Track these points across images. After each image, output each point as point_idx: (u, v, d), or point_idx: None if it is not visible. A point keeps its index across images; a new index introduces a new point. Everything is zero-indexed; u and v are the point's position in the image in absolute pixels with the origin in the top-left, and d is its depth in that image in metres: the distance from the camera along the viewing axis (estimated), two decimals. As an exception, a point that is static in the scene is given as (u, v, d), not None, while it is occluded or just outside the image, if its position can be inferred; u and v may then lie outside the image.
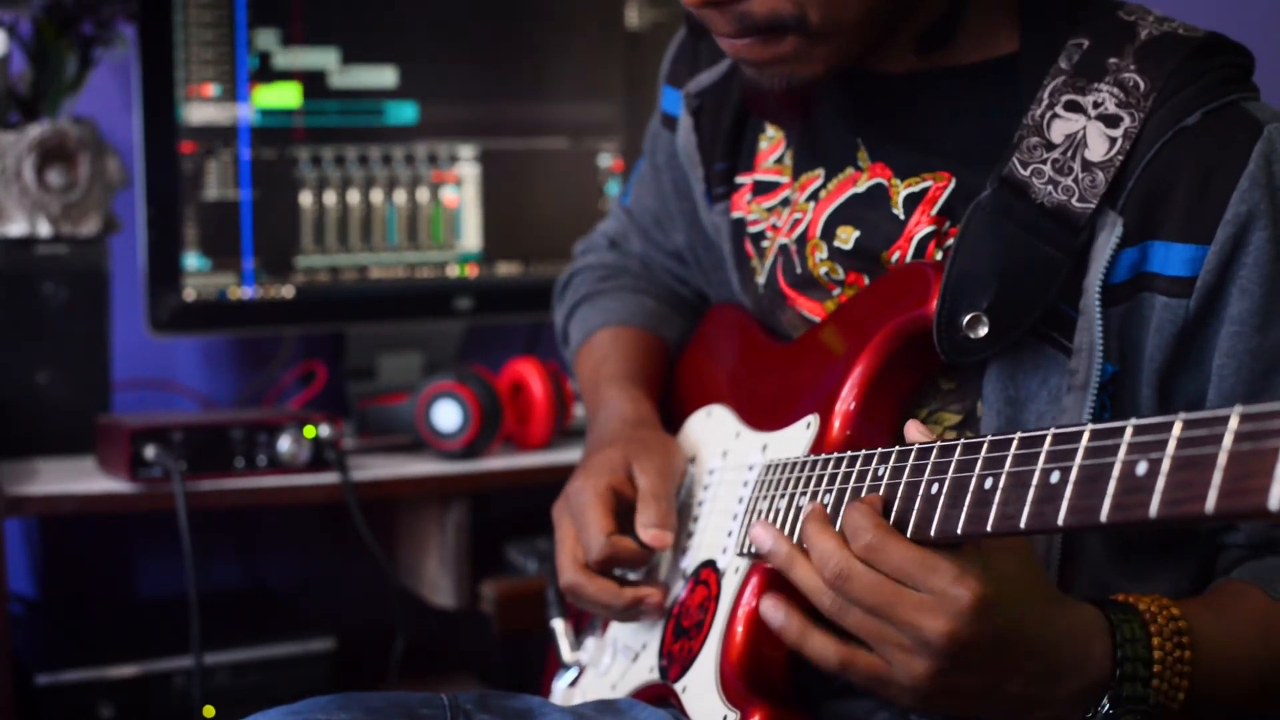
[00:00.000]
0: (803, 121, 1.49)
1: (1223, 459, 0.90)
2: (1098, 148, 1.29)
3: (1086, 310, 1.28)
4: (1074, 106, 1.31)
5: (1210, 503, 0.90)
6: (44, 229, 2.20)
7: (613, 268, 1.82)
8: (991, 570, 1.15)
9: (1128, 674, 1.18)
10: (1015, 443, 1.11)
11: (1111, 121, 1.29)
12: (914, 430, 1.24)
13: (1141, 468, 0.97)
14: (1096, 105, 1.30)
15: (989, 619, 1.14)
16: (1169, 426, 0.96)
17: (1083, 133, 1.30)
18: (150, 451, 2.02)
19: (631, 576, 1.52)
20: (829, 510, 1.28)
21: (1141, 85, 1.29)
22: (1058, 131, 1.31)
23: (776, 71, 1.34)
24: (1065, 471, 1.04)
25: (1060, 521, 1.03)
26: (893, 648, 1.18)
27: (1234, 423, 0.90)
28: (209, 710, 2.08)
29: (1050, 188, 1.30)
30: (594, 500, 1.49)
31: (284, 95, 2.33)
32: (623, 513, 1.50)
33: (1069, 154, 1.30)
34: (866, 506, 1.20)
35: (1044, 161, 1.30)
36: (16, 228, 2.20)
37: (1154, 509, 0.95)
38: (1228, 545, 1.35)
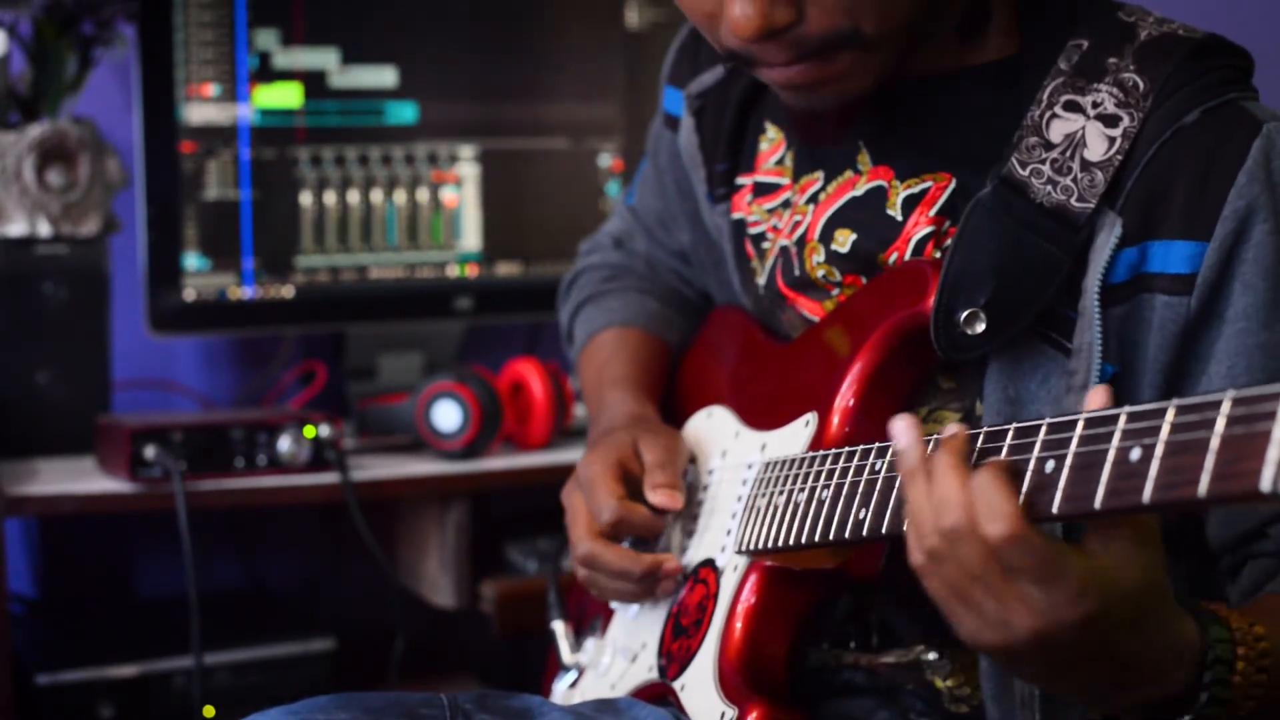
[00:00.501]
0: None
1: (1215, 443, 0.90)
2: (1097, 147, 1.29)
3: (1086, 311, 1.28)
4: (1073, 106, 1.31)
5: (1203, 487, 0.90)
6: (44, 229, 2.21)
7: (618, 268, 1.82)
8: (1117, 586, 1.07)
9: (1209, 699, 1.14)
10: (1010, 434, 1.11)
11: (1110, 121, 1.29)
12: (899, 425, 1.17)
13: (1135, 454, 0.97)
14: (1095, 105, 1.30)
15: (1084, 632, 1.08)
16: (1162, 413, 0.96)
17: (1082, 132, 1.30)
18: (150, 451, 2.02)
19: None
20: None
21: (1141, 85, 1.29)
22: (1057, 131, 1.31)
23: (830, 91, 1.33)
24: (1060, 460, 1.04)
25: (1055, 509, 1.03)
26: (972, 607, 1.11)
27: (1226, 407, 0.91)
28: (209, 710, 2.08)
29: (1049, 187, 1.30)
30: (603, 470, 1.50)
31: (284, 95, 2.33)
32: (631, 490, 1.50)
33: (1068, 154, 1.30)
34: (1007, 484, 1.08)
35: (1043, 161, 1.30)
36: (16, 228, 2.20)
37: (1148, 495, 0.95)
38: (1257, 554, 1.31)
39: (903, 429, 1.16)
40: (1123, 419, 0.99)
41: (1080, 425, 1.03)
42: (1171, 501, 0.93)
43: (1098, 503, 0.99)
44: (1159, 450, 0.95)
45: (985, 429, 1.14)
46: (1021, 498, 1.07)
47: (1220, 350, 1.28)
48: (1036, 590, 1.07)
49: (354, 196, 2.38)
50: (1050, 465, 1.05)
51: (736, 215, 1.58)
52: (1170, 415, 0.95)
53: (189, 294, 2.31)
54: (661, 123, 1.73)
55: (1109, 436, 1.00)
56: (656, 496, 1.49)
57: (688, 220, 1.70)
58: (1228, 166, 1.25)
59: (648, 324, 1.74)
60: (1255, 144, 1.25)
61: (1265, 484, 0.86)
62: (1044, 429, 1.07)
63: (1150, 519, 1.07)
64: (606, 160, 2.54)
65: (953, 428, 1.14)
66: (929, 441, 1.17)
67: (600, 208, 2.53)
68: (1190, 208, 1.26)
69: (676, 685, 1.43)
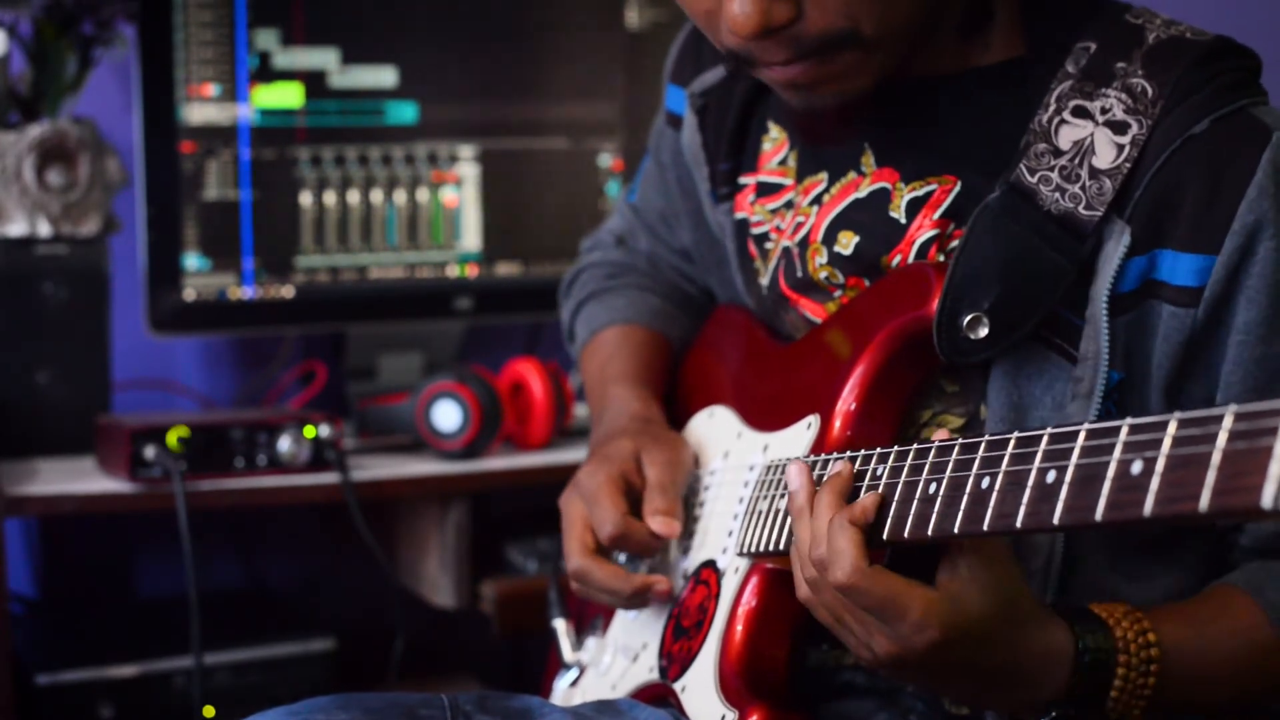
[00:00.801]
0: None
1: (1217, 458, 0.90)
2: (1105, 155, 1.29)
3: (1093, 318, 1.28)
4: (1081, 112, 1.31)
5: (1204, 501, 0.90)
6: (44, 229, 2.20)
7: (620, 265, 1.81)
8: (962, 612, 1.18)
9: (1078, 697, 1.21)
10: (1012, 442, 1.11)
11: (1119, 128, 1.29)
12: (792, 469, 1.30)
13: (1137, 467, 0.97)
14: (1104, 111, 1.30)
15: (937, 655, 1.19)
16: (1164, 426, 0.96)
17: (1090, 139, 1.29)
18: (150, 451, 2.02)
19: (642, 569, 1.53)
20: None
21: (1149, 91, 1.29)
22: (1065, 138, 1.30)
23: (829, 90, 1.33)
24: (1061, 471, 1.04)
25: (1056, 521, 1.03)
26: (845, 631, 1.25)
27: (1228, 421, 0.91)
28: (209, 710, 2.08)
29: (1057, 195, 1.29)
30: (606, 482, 1.49)
31: (284, 95, 2.33)
32: (632, 505, 1.50)
33: (1076, 161, 1.30)
34: (853, 531, 1.21)
35: (1051, 168, 1.30)
36: (16, 228, 2.20)
37: (1148, 508, 0.95)
38: (1233, 546, 1.35)
39: (795, 472, 1.29)
40: (1124, 431, 0.99)
41: (1082, 436, 1.03)
42: (1172, 515, 0.93)
43: (1099, 515, 0.99)
44: (1160, 464, 0.95)
45: (987, 437, 1.14)
46: (899, 527, 1.20)
47: (1220, 363, 1.28)
48: (884, 625, 1.19)
49: (354, 196, 2.38)
50: (1051, 476, 1.05)
51: (739, 215, 1.58)
52: (1172, 429, 0.95)
53: (189, 294, 2.30)
54: (664, 121, 1.73)
55: (1110, 449, 1.00)
56: (655, 524, 1.48)
57: (690, 219, 1.69)
58: (1237, 179, 1.25)
59: (650, 321, 1.74)
60: (1265, 155, 1.25)
61: (1267, 500, 0.86)
62: (1045, 439, 1.07)
63: (996, 540, 1.19)
64: (606, 160, 2.54)
65: (837, 465, 1.27)
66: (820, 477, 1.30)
67: (600, 207, 2.53)
68: (1199, 220, 1.26)
69: (677, 686, 1.44)
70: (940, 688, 1.30)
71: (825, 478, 1.27)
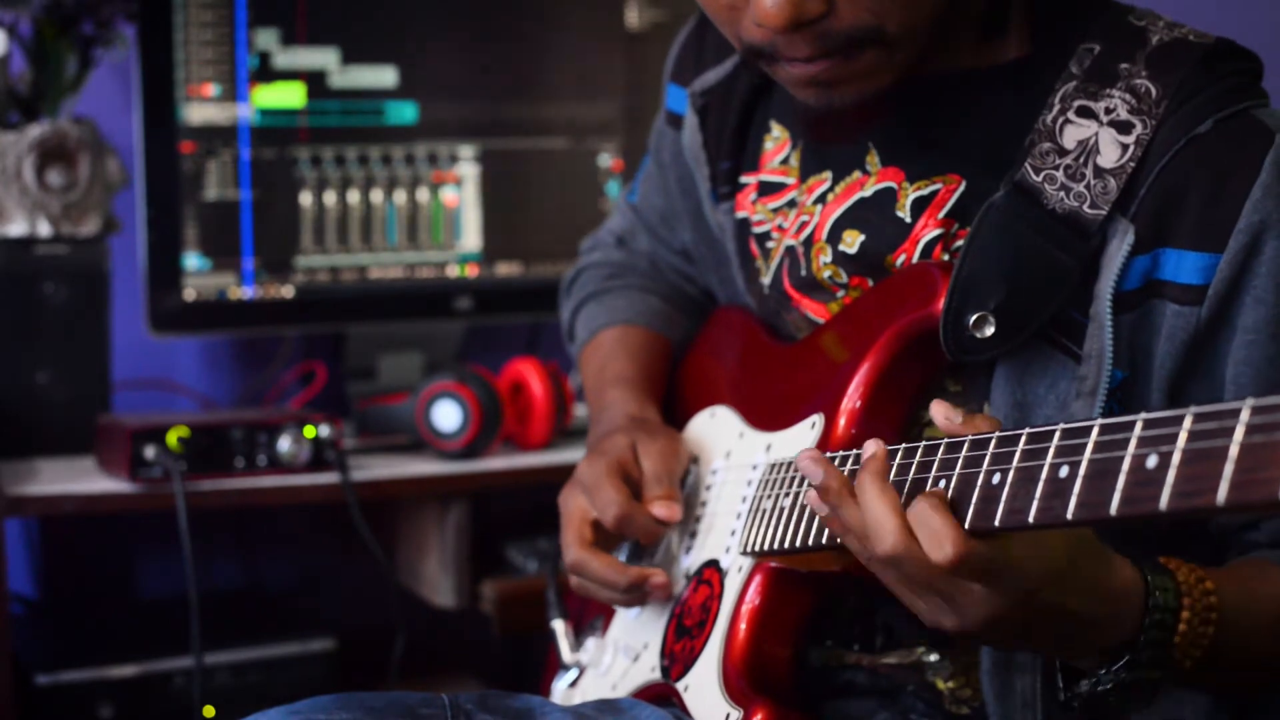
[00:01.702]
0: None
1: (1234, 451, 0.90)
2: (1110, 154, 1.29)
3: (1097, 317, 1.28)
4: (1086, 112, 1.31)
5: (1222, 495, 0.90)
6: (44, 229, 2.20)
7: (620, 265, 1.81)
8: (1050, 558, 1.14)
9: (1150, 640, 1.18)
10: (1024, 438, 1.11)
11: (1123, 128, 1.29)
12: (805, 460, 1.23)
13: (1152, 461, 0.97)
14: (1109, 111, 1.30)
15: (1031, 606, 1.15)
16: (1179, 420, 0.96)
17: (1095, 139, 1.30)
18: (150, 451, 2.02)
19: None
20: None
21: (1153, 92, 1.29)
22: (1070, 137, 1.31)
23: (850, 89, 1.32)
24: (1074, 465, 1.04)
25: (1069, 515, 1.03)
26: (925, 600, 1.19)
27: (1245, 415, 0.91)
28: (209, 710, 2.08)
29: (1062, 194, 1.30)
30: (607, 471, 1.50)
31: (285, 95, 2.33)
32: (631, 492, 1.51)
33: (1081, 160, 1.30)
34: (945, 510, 1.14)
35: (1056, 167, 1.30)
36: (16, 228, 2.20)
37: (1164, 501, 0.95)
38: (1247, 543, 1.34)
39: (809, 465, 1.22)
40: (1139, 426, 0.99)
41: (1095, 432, 1.03)
42: (1189, 509, 0.93)
43: (1113, 509, 0.99)
44: (1176, 458, 0.95)
45: (998, 433, 1.14)
46: (970, 511, 1.13)
47: (1228, 361, 1.28)
48: (983, 589, 1.14)
49: (354, 196, 2.38)
50: (1064, 471, 1.05)
51: (740, 214, 1.58)
52: (1188, 423, 0.95)
53: (189, 294, 2.30)
54: (664, 120, 1.73)
55: (1125, 443, 1.00)
56: (657, 509, 1.49)
57: (690, 218, 1.69)
58: (1242, 179, 1.26)
59: (650, 321, 1.74)
60: (1269, 156, 1.26)
61: None
62: (1058, 434, 1.07)
63: None
64: (606, 160, 2.54)
65: (870, 446, 1.20)
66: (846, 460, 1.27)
67: (600, 208, 2.53)
68: (1204, 219, 1.27)
69: (680, 686, 1.44)
70: (1013, 642, 1.23)
71: (862, 459, 1.21)
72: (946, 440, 1.18)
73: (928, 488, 1.17)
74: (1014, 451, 1.11)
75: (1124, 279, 1.28)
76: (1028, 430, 1.11)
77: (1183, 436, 0.95)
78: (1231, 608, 1.21)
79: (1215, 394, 1.30)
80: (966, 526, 1.13)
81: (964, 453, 1.16)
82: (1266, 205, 1.25)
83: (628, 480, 1.51)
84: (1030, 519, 1.07)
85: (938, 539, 1.12)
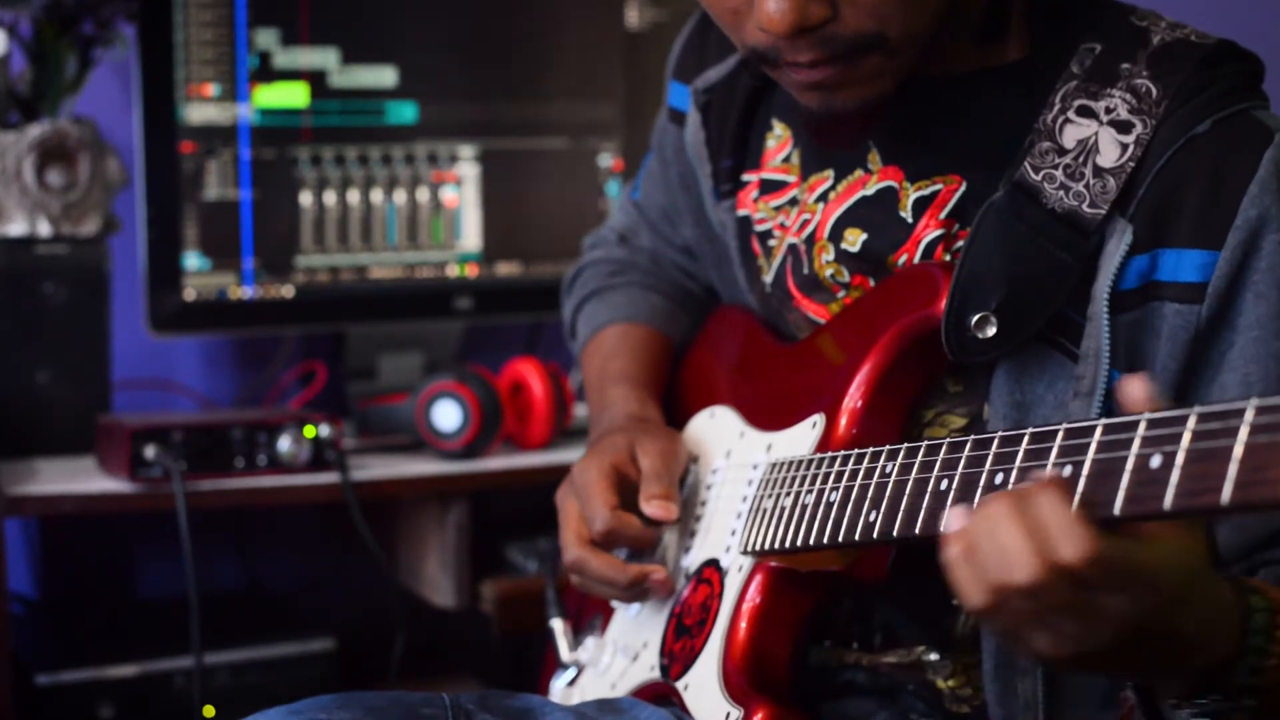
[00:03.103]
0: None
1: (1239, 451, 0.90)
2: (1109, 154, 1.29)
3: (1094, 316, 1.28)
4: (1086, 111, 1.31)
5: (1226, 494, 0.90)
6: (44, 229, 2.20)
7: (622, 263, 1.81)
8: (1174, 567, 1.05)
9: (1248, 665, 1.12)
10: (1026, 438, 1.11)
11: (1123, 128, 1.29)
12: (1134, 387, 1.06)
13: (1156, 460, 0.97)
14: (1109, 111, 1.30)
15: (1156, 620, 1.06)
16: (1183, 420, 0.96)
17: (1094, 138, 1.30)
18: (150, 451, 2.02)
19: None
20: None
21: (1154, 92, 1.29)
22: (1070, 136, 1.31)
23: (852, 94, 1.32)
24: (1078, 466, 1.04)
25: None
26: (1048, 631, 1.06)
27: (1250, 415, 0.91)
28: (209, 710, 2.08)
29: (1062, 193, 1.30)
30: (598, 476, 1.50)
31: (285, 95, 2.33)
32: (626, 497, 1.50)
33: (1080, 159, 1.30)
34: (1068, 501, 1.03)
35: (1056, 167, 1.30)
36: (16, 228, 2.20)
37: (1169, 501, 0.95)
38: (1269, 561, 1.31)
39: (958, 515, 1.09)
40: (1142, 425, 0.99)
41: (1099, 431, 1.03)
42: (1193, 508, 0.93)
43: (1117, 509, 0.99)
44: (1180, 457, 0.95)
45: (1000, 433, 1.14)
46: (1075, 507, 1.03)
47: (1234, 358, 1.28)
48: (1117, 600, 1.04)
49: (354, 196, 2.38)
50: (1068, 471, 1.05)
51: (742, 212, 1.58)
52: (1192, 422, 0.95)
53: (189, 294, 2.30)
54: (666, 117, 1.73)
55: (1128, 443, 1.00)
56: (651, 508, 1.48)
57: (692, 215, 1.69)
58: (1240, 176, 1.26)
59: (651, 319, 1.74)
60: (1267, 154, 1.26)
61: None
62: (1061, 434, 1.07)
63: None
64: (606, 160, 2.54)
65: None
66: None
67: (600, 207, 2.53)
68: (1202, 217, 1.27)
69: (679, 685, 1.44)
70: (1123, 667, 1.11)
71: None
72: (949, 440, 1.18)
73: (929, 488, 1.17)
74: (1016, 452, 1.11)
75: (1121, 279, 1.28)
76: (1030, 430, 1.11)
77: (1187, 436, 0.95)
78: None
79: (1221, 392, 1.30)
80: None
81: (966, 453, 1.16)
82: (1264, 201, 1.25)
83: (622, 482, 1.51)
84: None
85: (1066, 537, 1.01)
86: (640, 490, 1.50)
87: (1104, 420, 1.03)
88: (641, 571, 1.49)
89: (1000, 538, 1.04)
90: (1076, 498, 1.04)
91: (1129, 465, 0.99)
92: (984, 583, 1.05)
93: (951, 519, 1.09)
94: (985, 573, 1.05)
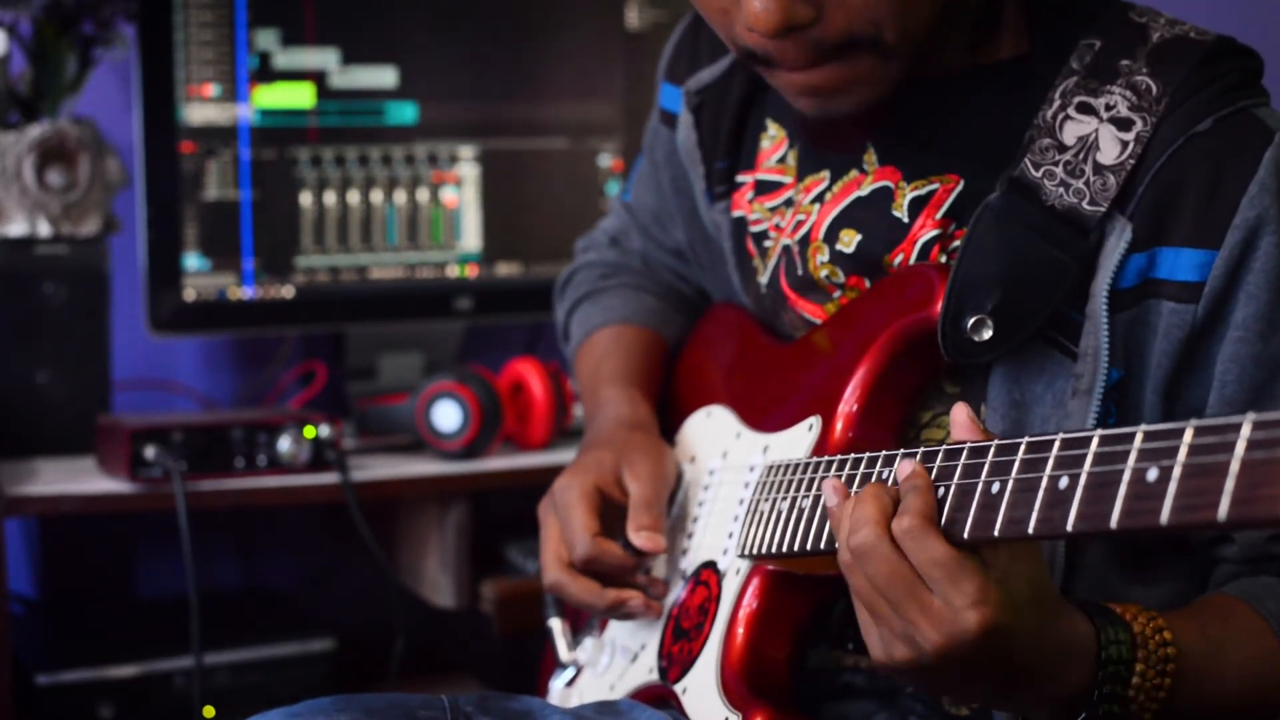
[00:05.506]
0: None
1: (1235, 467, 0.90)
2: (1109, 151, 1.29)
3: (1093, 315, 1.28)
4: (1086, 108, 1.31)
5: (1223, 510, 0.90)
6: (44, 229, 2.20)
7: (614, 265, 1.81)
8: (1010, 595, 1.13)
9: (1105, 694, 1.18)
10: (1023, 447, 1.10)
11: (1124, 125, 1.29)
12: (962, 414, 1.20)
13: (1152, 474, 0.97)
14: (1109, 108, 1.30)
15: (986, 642, 1.13)
16: (1180, 433, 0.95)
17: (1095, 135, 1.30)
18: (150, 451, 2.02)
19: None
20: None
21: (1154, 89, 1.29)
22: (1070, 133, 1.31)
23: (847, 97, 1.32)
24: (1074, 477, 1.04)
25: (1069, 527, 1.03)
26: (882, 621, 1.17)
27: (1247, 430, 0.90)
28: (209, 710, 2.08)
29: (1062, 190, 1.30)
30: (579, 499, 1.48)
31: (285, 95, 2.33)
32: (608, 517, 1.50)
33: (1081, 156, 1.30)
34: (927, 490, 1.16)
35: (1056, 163, 1.30)
36: (16, 228, 2.20)
37: (1165, 516, 0.94)
38: (1221, 559, 1.34)
39: (830, 490, 1.24)
40: (1139, 438, 0.99)
41: (1095, 443, 1.03)
42: (1190, 524, 0.93)
43: (1113, 522, 0.98)
44: (1177, 472, 0.94)
45: (996, 441, 1.14)
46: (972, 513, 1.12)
47: (1216, 358, 1.28)
48: (941, 595, 1.12)
49: (354, 196, 2.38)
50: (1064, 482, 1.04)
51: (737, 213, 1.58)
52: (1188, 436, 0.95)
53: (189, 294, 2.30)
54: (658, 119, 1.72)
55: (1125, 455, 0.99)
56: (640, 539, 1.47)
57: (684, 218, 1.69)
58: (1239, 176, 1.26)
59: (645, 320, 1.73)
60: (1267, 154, 1.26)
61: None
62: (1057, 444, 1.07)
63: None
64: (606, 160, 2.54)
65: (906, 466, 1.19)
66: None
67: (600, 208, 2.53)
68: (1201, 216, 1.26)
69: (678, 688, 1.43)
70: (961, 687, 1.21)
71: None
72: (945, 448, 1.18)
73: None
74: (1013, 461, 1.10)
75: (1120, 277, 1.28)
76: (1026, 439, 1.10)
77: (1183, 450, 0.95)
78: (1191, 655, 1.20)
79: (1201, 392, 1.30)
80: (965, 536, 1.12)
81: (962, 460, 1.16)
82: (1263, 201, 1.25)
83: (605, 503, 1.50)
84: (1030, 530, 1.07)
85: (904, 511, 1.15)
86: (629, 518, 1.49)
87: (1100, 431, 1.03)
88: (619, 597, 1.48)
89: (864, 506, 1.17)
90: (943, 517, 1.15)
91: (1125, 478, 0.99)
92: (845, 542, 1.18)
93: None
94: (845, 532, 1.18)
